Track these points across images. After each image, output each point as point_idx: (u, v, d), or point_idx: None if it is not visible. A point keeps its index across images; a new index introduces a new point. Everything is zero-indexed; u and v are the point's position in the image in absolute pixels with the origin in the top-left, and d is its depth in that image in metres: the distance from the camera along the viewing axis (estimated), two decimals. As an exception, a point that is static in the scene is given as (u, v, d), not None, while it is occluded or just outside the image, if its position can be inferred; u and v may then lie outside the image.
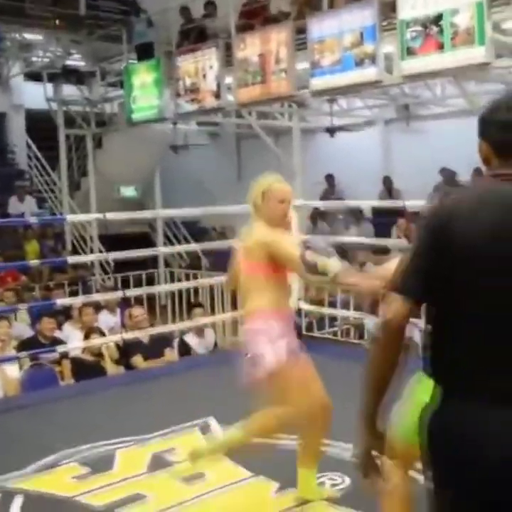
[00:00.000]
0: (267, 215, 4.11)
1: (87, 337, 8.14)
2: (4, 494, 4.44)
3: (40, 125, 17.24)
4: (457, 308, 2.15)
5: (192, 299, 10.21)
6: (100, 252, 15.09)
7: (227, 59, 11.94)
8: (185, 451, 4.40)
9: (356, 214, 14.94)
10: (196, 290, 10.32)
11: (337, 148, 16.06)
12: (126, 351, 8.31)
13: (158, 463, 4.83)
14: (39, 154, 17.83)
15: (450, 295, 2.16)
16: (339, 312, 8.70)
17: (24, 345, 7.99)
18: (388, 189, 15.43)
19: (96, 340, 7.95)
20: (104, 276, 14.78)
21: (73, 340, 8.50)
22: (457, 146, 11.11)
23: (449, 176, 13.61)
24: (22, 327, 9.51)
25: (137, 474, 4.67)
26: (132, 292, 9.30)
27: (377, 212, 14.92)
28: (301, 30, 10.79)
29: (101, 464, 4.82)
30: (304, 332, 8.20)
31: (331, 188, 16.69)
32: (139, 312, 8.65)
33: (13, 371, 7.54)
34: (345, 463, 4.32)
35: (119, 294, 9.30)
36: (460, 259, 2.12)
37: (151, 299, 10.44)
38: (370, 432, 2.35)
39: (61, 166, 17.10)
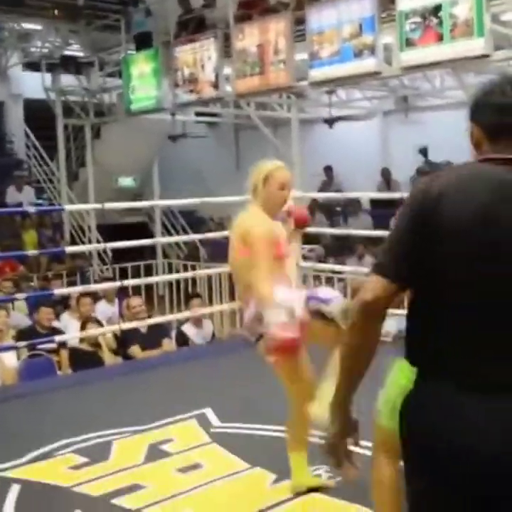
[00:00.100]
0: (266, 201, 4.11)
1: (83, 327, 8.15)
2: (1, 483, 4.44)
3: (38, 115, 17.19)
4: (445, 294, 2.08)
5: (190, 290, 10.22)
6: (98, 242, 15.08)
7: (226, 49, 11.91)
8: (182, 442, 4.41)
9: (355, 206, 14.96)
10: (194, 280, 10.33)
11: (335, 139, 16.05)
12: (123, 341, 8.33)
13: (155, 453, 4.84)
14: (37, 144, 17.80)
15: (437, 281, 2.09)
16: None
17: (22, 334, 8.00)
18: (387, 180, 15.43)
19: (93, 331, 7.95)
20: (102, 267, 14.78)
21: (71, 330, 8.52)
22: (456, 137, 11.09)
23: (428, 160, 13.73)
24: (20, 317, 9.53)
25: (134, 465, 4.67)
26: (130, 282, 9.31)
27: (375, 203, 14.93)
28: (300, 21, 10.76)
29: (98, 454, 4.83)
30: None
31: (329, 179, 16.69)
32: (136, 302, 8.65)
33: (11, 360, 7.56)
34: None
35: (117, 284, 9.31)
36: (449, 244, 2.05)
37: (149, 289, 10.45)
38: (342, 419, 2.26)
39: (59, 156, 17.07)
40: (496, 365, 2.02)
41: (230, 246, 4.14)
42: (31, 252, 10.53)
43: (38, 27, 16.34)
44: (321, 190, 15.80)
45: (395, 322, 6.10)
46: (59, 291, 9.03)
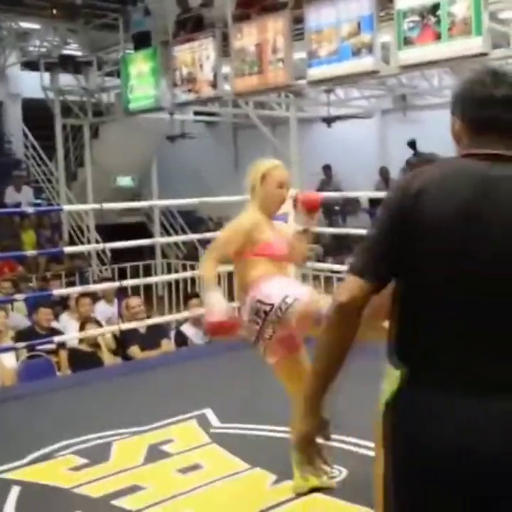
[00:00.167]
0: (263, 200, 4.12)
1: (82, 327, 8.14)
2: (1, 485, 4.44)
3: (36, 114, 17.18)
4: (428, 292, 2.04)
5: (189, 290, 10.21)
6: (97, 242, 15.08)
7: (224, 49, 11.91)
8: (182, 442, 4.40)
9: (353, 205, 14.96)
10: (193, 280, 10.32)
11: (334, 138, 16.06)
12: (123, 342, 8.33)
13: (155, 454, 4.83)
14: (36, 144, 17.79)
15: (419, 279, 2.05)
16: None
17: (21, 335, 7.99)
18: (385, 179, 15.42)
19: (93, 331, 7.95)
20: (101, 267, 14.78)
21: (70, 331, 8.51)
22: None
23: (418, 151, 13.70)
24: (19, 317, 9.52)
25: (134, 465, 4.67)
26: (129, 282, 9.31)
27: (374, 202, 14.91)
28: (298, 20, 10.76)
29: (97, 455, 4.82)
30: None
31: (328, 178, 16.69)
32: (135, 303, 8.65)
33: (10, 361, 7.55)
34: (342, 455, 4.32)
35: (116, 284, 9.31)
36: (430, 241, 2.01)
37: (148, 289, 10.45)
38: (313, 417, 2.21)
39: (58, 156, 17.06)
40: (483, 363, 1.99)
41: None
42: (30, 252, 10.53)
43: (36, 26, 16.34)
44: (320, 189, 15.74)
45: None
46: (58, 291, 9.03)
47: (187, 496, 4.21)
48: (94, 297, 9.78)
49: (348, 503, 3.96)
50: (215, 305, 3.91)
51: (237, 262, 4.10)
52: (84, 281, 12.86)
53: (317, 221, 4.38)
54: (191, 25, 13.18)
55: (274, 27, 10.94)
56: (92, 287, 9.91)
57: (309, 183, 13.90)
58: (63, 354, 7.93)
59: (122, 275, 12.48)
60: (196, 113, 16.73)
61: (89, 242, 15.79)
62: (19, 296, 8.22)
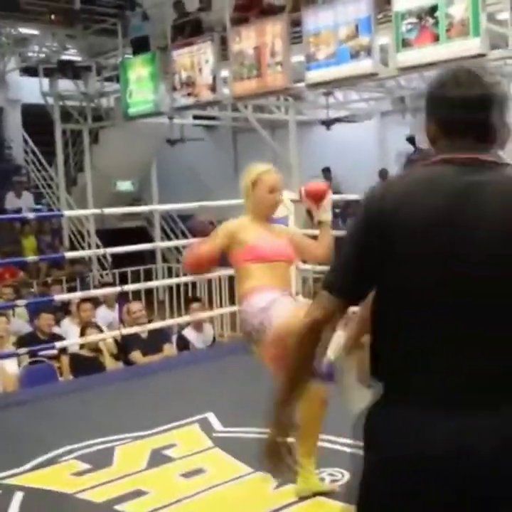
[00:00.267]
0: (256, 205, 4.11)
1: (83, 332, 8.15)
2: (4, 491, 4.43)
3: (36, 120, 17.22)
4: (404, 302, 2.00)
5: (190, 294, 10.21)
6: (97, 247, 15.09)
7: (223, 52, 11.93)
8: (184, 447, 4.39)
9: (353, 207, 14.94)
10: (194, 284, 10.33)
11: (333, 141, 16.06)
12: (124, 347, 8.32)
13: (157, 458, 4.82)
14: (36, 149, 17.82)
15: (393, 289, 2.01)
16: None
17: (23, 341, 8.00)
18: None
19: (94, 336, 7.94)
20: (102, 272, 14.79)
21: (72, 336, 8.52)
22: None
23: (418, 147, 13.74)
24: (20, 323, 9.52)
25: (137, 470, 4.66)
26: (130, 287, 9.31)
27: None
28: (296, 23, 10.79)
29: (100, 460, 4.82)
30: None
31: (327, 181, 16.68)
32: (137, 307, 8.64)
33: (12, 367, 7.55)
34: (345, 458, 4.32)
35: (117, 289, 9.30)
36: (405, 251, 1.97)
37: (148, 293, 10.45)
38: (282, 420, 2.24)
39: (58, 161, 17.09)
40: (473, 366, 1.95)
41: None
42: (31, 258, 10.53)
43: (35, 32, 16.40)
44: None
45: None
46: (59, 297, 9.03)
47: (190, 500, 4.20)
48: (96, 302, 9.78)
49: (351, 506, 3.95)
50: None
51: (235, 270, 4.10)
52: (85, 286, 12.86)
53: (328, 211, 4.22)
54: (190, 30, 13.21)
55: (272, 30, 10.97)
56: (93, 292, 9.89)
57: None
58: (65, 359, 7.93)
59: (123, 280, 12.48)
60: (195, 117, 16.75)
61: (89, 247, 15.82)
62: (20, 302, 8.22)
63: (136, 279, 12.39)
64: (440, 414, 1.95)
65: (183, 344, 8.59)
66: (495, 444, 1.92)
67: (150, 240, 16.28)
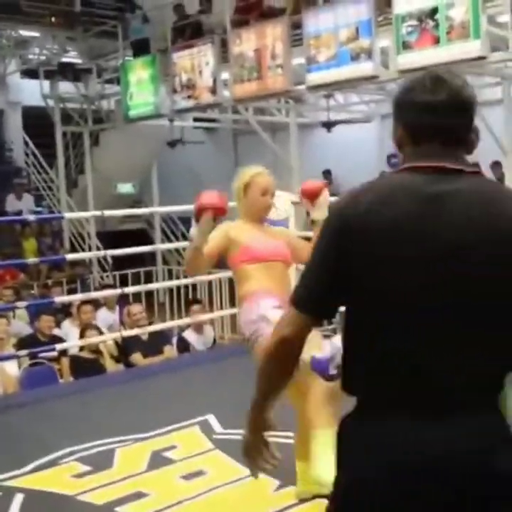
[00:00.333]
0: (248, 207, 4.10)
1: (82, 334, 8.15)
2: (4, 492, 4.44)
3: (37, 122, 17.25)
4: (383, 306, 1.97)
5: (190, 296, 10.22)
6: (98, 249, 15.09)
7: (223, 55, 11.94)
8: (185, 449, 4.39)
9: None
10: (194, 286, 10.33)
11: (334, 143, 16.06)
12: (125, 348, 8.32)
13: (158, 460, 4.83)
14: (36, 151, 17.84)
15: (363, 301, 1.99)
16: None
17: (23, 343, 7.99)
18: (385, 183, 15.41)
19: (94, 338, 7.95)
20: (102, 274, 14.79)
21: (72, 338, 8.52)
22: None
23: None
24: (21, 325, 9.52)
25: (137, 472, 4.66)
26: (130, 289, 9.31)
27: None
28: (296, 26, 10.80)
29: (101, 462, 4.82)
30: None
31: (328, 183, 16.69)
32: (137, 309, 8.65)
33: (12, 369, 7.55)
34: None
35: (117, 291, 9.31)
36: (374, 260, 1.94)
37: (149, 295, 10.46)
38: (257, 421, 2.21)
39: (58, 164, 17.11)
40: (449, 372, 1.94)
41: None
42: (31, 260, 10.53)
43: (36, 34, 16.42)
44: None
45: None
46: (60, 299, 9.03)
47: (191, 502, 4.21)
48: (96, 304, 9.79)
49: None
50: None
51: (233, 273, 4.10)
52: (85, 288, 12.87)
53: (324, 210, 4.07)
54: (190, 32, 13.23)
55: (273, 33, 10.97)
56: (94, 294, 9.91)
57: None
58: (65, 361, 7.94)
59: (123, 282, 12.49)
60: (196, 119, 16.76)
61: (90, 249, 15.83)
62: (21, 304, 8.22)
63: (136, 281, 12.40)
64: (430, 418, 1.93)
65: (184, 346, 8.59)
66: (487, 445, 1.92)
67: (150, 242, 16.28)
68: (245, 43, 11.38)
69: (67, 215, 14.23)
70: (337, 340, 3.65)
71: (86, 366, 7.78)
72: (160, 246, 14.26)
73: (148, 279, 13.34)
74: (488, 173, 10.15)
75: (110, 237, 15.45)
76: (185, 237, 17.42)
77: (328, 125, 14.68)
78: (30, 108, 17.45)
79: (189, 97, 12.55)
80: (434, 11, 8.82)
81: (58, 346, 7.52)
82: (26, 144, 18.04)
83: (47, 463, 4.87)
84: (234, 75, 11.63)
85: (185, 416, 5.53)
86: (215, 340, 8.99)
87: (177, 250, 17.04)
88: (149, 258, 15.38)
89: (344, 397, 2.20)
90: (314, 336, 3.23)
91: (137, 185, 17.69)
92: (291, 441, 4.18)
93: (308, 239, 4.34)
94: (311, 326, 2.08)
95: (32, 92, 16.95)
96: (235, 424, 5.30)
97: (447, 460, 1.91)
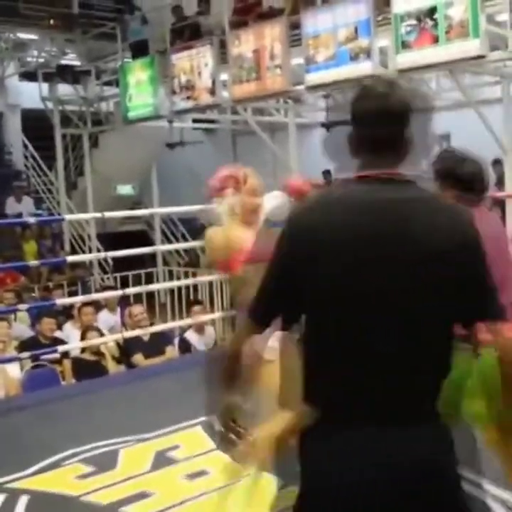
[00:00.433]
0: (238, 210, 4.11)
1: (83, 335, 8.15)
2: (9, 494, 4.45)
3: (36, 125, 17.24)
4: (328, 318, 2.01)
5: (191, 297, 10.21)
6: (98, 251, 15.09)
7: (222, 56, 11.94)
8: (188, 449, 4.40)
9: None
10: (195, 287, 10.33)
11: (333, 143, 16.05)
12: (126, 350, 8.33)
13: (161, 461, 4.84)
14: (36, 154, 17.84)
15: (317, 313, 2.03)
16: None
17: (25, 345, 7.99)
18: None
19: (96, 340, 7.95)
20: (103, 276, 14.79)
21: (73, 340, 8.51)
22: (453, 139, 11.13)
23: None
24: (22, 328, 9.52)
25: (141, 472, 4.68)
26: (131, 291, 9.31)
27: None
28: (295, 26, 10.80)
29: (104, 463, 4.83)
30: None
31: (328, 184, 16.69)
32: (138, 311, 8.65)
33: (15, 371, 7.55)
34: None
35: (118, 292, 9.31)
36: (327, 273, 1.96)
37: (150, 297, 10.45)
38: (223, 415, 2.35)
39: (58, 166, 17.11)
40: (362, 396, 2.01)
41: None
42: (32, 262, 10.52)
43: (34, 36, 16.42)
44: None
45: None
46: (61, 301, 9.03)
47: (194, 501, 4.22)
48: (97, 306, 9.78)
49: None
50: None
51: (232, 277, 4.09)
52: (86, 290, 12.86)
53: None
54: (189, 33, 13.23)
55: (271, 33, 10.98)
56: (95, 296, 9.90)
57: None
58: (67, 363, 7.93)
59: (124, 283, 12.48)
60: (195, 120, 16.76)
61: (90, 251, 15.81)
62: (22, 307, 8.22)
63: (137, 282, 12.40)
64: (373, 430, 2.00)
65: (185, 347, 8.60)
66: (437, 449, 2.02)
67: (151, 243, 16.27)
68: (244, 43, 11.39)
69: (68, 217, 14.19)
70: None
71: (88, 368, 7.79)
72: (160, 247, 14.26)
73: (149, 280, 13.34)
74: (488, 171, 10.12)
75: (110, 239, 15.43)
76: (185, 238, 17.45)
77: (328, 125, 14.68)
78: (29, 111, 17.46)
79: (188, 98, 12.55)
80: (432, 10, 8.83)
81: (60, 348, 7.53)
82: (25, 146, 18.05)
83: (51, 464, 4.88)
84: (233, 76, 11.64)
85: (188, 416, 5.54)
86: (216, 340, 8.99)
87: (177, 251, 17.07)
88: (150, 259, 15.37)
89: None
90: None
91: (137, 187, 17.70)
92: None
93: None
94: (256, 332, 2.20)
95: (31, 94, 16.95)
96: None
97: (403, 464, 1.99)
